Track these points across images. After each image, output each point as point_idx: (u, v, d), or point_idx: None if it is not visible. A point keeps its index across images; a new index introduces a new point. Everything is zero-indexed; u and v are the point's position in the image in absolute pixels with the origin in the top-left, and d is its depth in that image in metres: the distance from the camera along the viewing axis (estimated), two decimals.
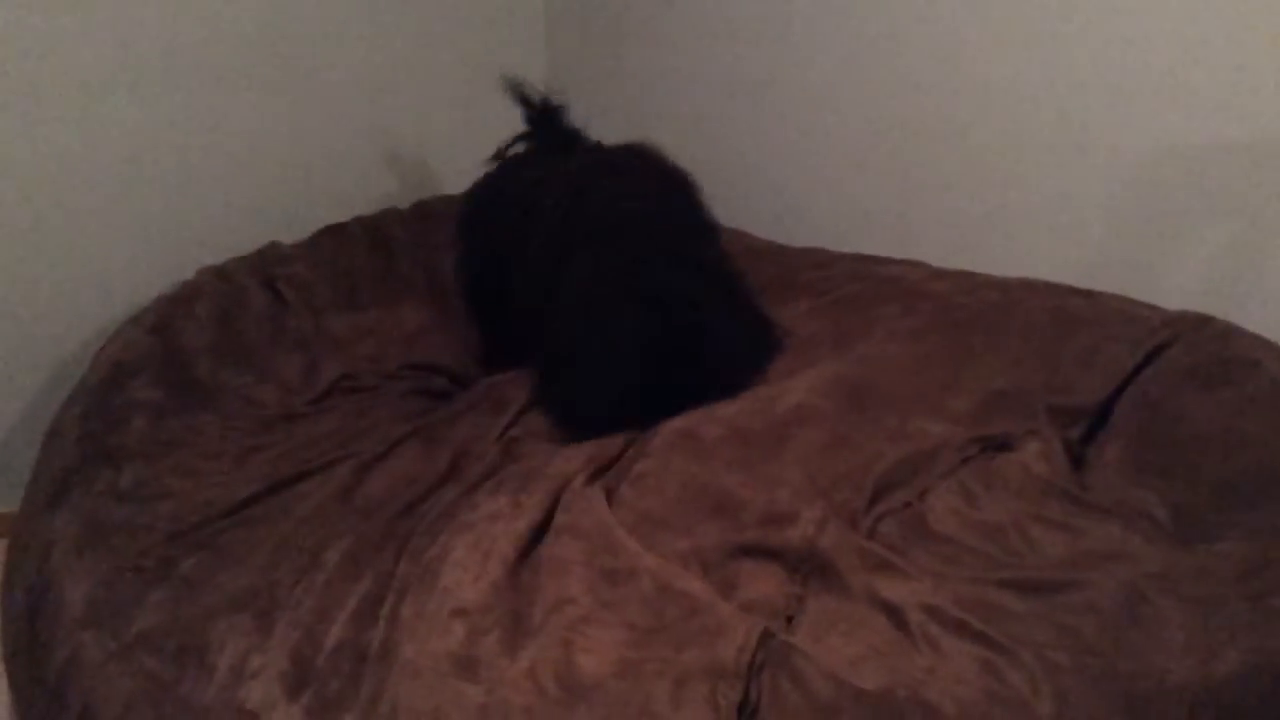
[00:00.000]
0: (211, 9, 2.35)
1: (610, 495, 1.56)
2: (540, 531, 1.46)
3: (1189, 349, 1.70)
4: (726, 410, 1.74)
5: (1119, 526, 1.47)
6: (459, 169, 2.82)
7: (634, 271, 1.82)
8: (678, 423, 1.71)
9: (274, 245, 2.37)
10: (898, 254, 2.25)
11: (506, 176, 2.16)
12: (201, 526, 1.51)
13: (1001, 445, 1.65)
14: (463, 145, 2.87)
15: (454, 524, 1.47)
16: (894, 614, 1.28)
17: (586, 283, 1.83)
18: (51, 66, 2.16)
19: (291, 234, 2.47)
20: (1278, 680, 1.16)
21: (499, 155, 2.22)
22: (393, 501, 1.58)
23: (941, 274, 2.11)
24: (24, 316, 2.26)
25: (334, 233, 2.49)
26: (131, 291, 2.33)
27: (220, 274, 2.20)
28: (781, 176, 2.52)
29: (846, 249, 2.33)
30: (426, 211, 2.64)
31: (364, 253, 2.45)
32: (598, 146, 2.20)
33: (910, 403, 1.78)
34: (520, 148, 2.22)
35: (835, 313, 2.07)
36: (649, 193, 1.98)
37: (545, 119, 2.20)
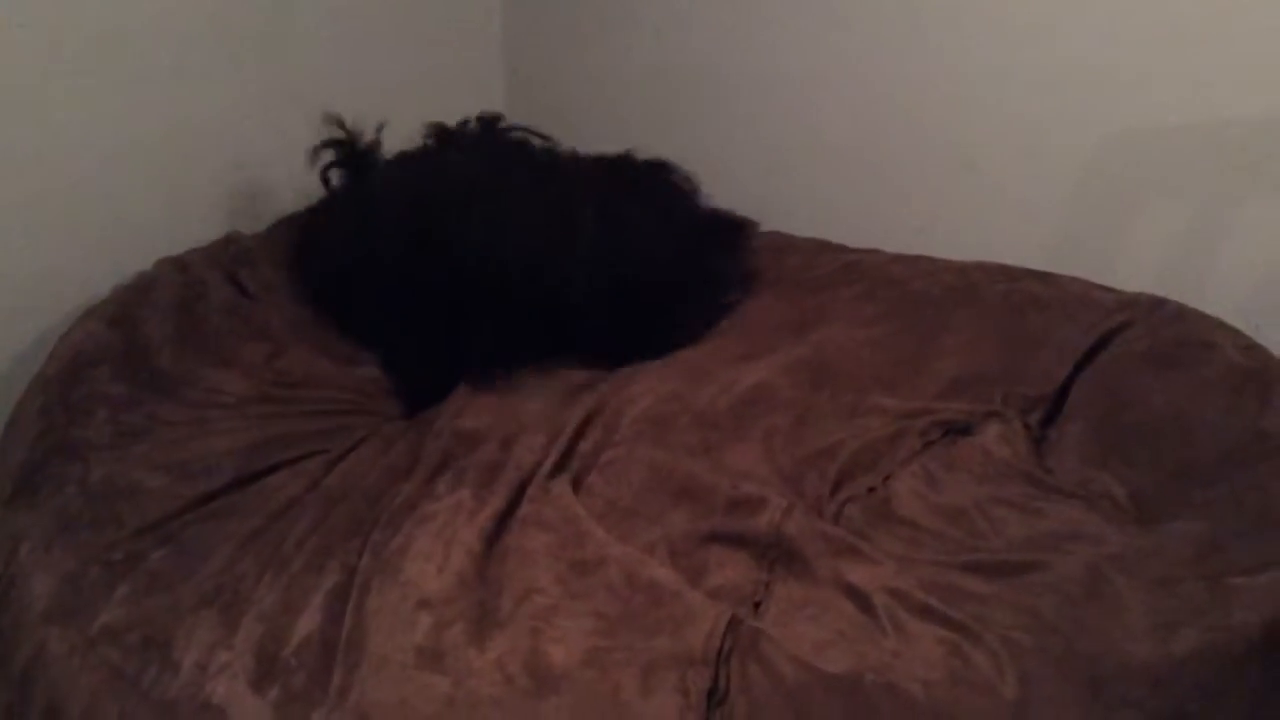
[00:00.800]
0: None
1: (577, 484, 1.57)
2: (504, 522, 1.46)
3: (1145, 331, 1.73)
4: (690, 394, 1.77)
5: (1080, 508, 1.49)
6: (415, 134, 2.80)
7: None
8: (642, 405, 1.72)
9: (233, 235, 2.35)
10: (857, 242, 2.26)
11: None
12: (169, 520, 1.50)
13: (963, 429, 1.67)
14: (419, 108, 2.84)
15: (415, 515, 1.47)
16: (860, 598, 1.29)
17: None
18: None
19: (250, 224, 2.45)
20: (1236, 658, 1.19)
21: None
22: (356, 494, 1.58)
23: (900, 258, 2.14)
24: None
25: (293, 222, 2.47)
26: (87, 283, 2.29)
27: (179, 265, 2.17)
28: (740, 167, 2.52)
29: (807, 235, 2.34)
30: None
31: None
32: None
33: (870, 386, 1.81)
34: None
35: (795, 297, 2.09)
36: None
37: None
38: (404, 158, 2.17)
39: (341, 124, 2.19)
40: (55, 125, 2.21)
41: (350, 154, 2.19)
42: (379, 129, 2.25)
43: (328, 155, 2.19)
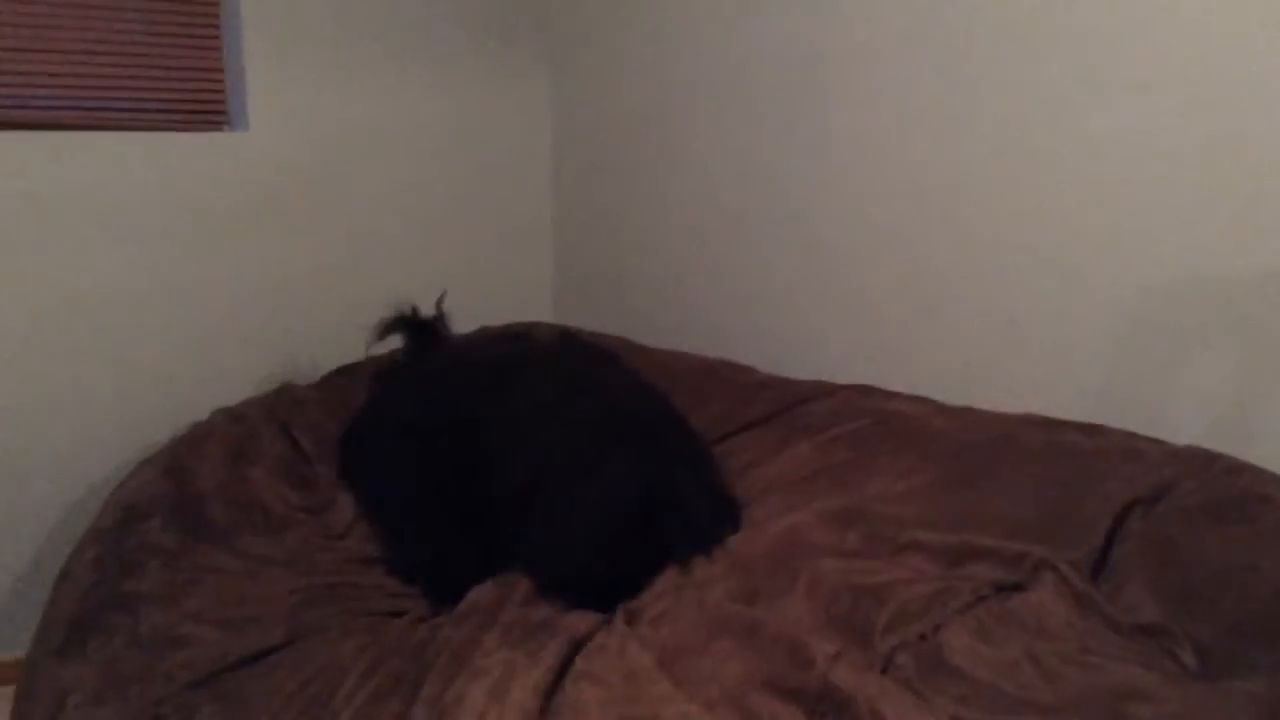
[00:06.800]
0: (233, 165, 2.44)
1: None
2: (559, 677, 1.45)
3: (1199, 485, 1.71)
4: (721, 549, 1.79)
5: (1138, 665, 1.46)
6: (468, 310, 2.89)
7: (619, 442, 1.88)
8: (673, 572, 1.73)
9: (287, 386, 2.40)
10: (902, 389, 2.27)
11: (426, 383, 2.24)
12: (221, 675, 1.50)
13: (1015, 586, 1.65)
14: (472, 287, 2.94)
15: (467, 671, 1.46)
16: None
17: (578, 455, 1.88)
18: (79, 209, 2.23)
19: (306, 374, 2.51)
20: None
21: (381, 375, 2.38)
22: (404, 648, 1.57)
23: (943, 410, 2.14)
24: (32, 458, 2.27)
25: (346, 373, 2.52)
26: (143, 433, 2.34)
27: (233, 416, 2.22)
28: (788, 313, 2.57)
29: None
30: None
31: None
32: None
33: (906, 526, 1.80)
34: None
35: (835, 451, 2.09)
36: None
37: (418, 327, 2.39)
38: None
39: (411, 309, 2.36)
40: (120, 277, 2.30)
41: (416, 329, 2.34)
42: (440, 302, 2.38)
43: (392, 330, 2.36)
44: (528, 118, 3.03)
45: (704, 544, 1.81)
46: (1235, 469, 1.73)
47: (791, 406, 2.29)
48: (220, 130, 2.46)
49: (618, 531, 1.78)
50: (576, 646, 1.51)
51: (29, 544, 2.32)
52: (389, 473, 2.03)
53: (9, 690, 1.77)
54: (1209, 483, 1.71)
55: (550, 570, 1.75)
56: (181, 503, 1.95)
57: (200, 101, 2.44)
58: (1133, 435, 1.89)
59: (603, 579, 1.71)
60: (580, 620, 1.58)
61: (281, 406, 2.29)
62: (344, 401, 2.38)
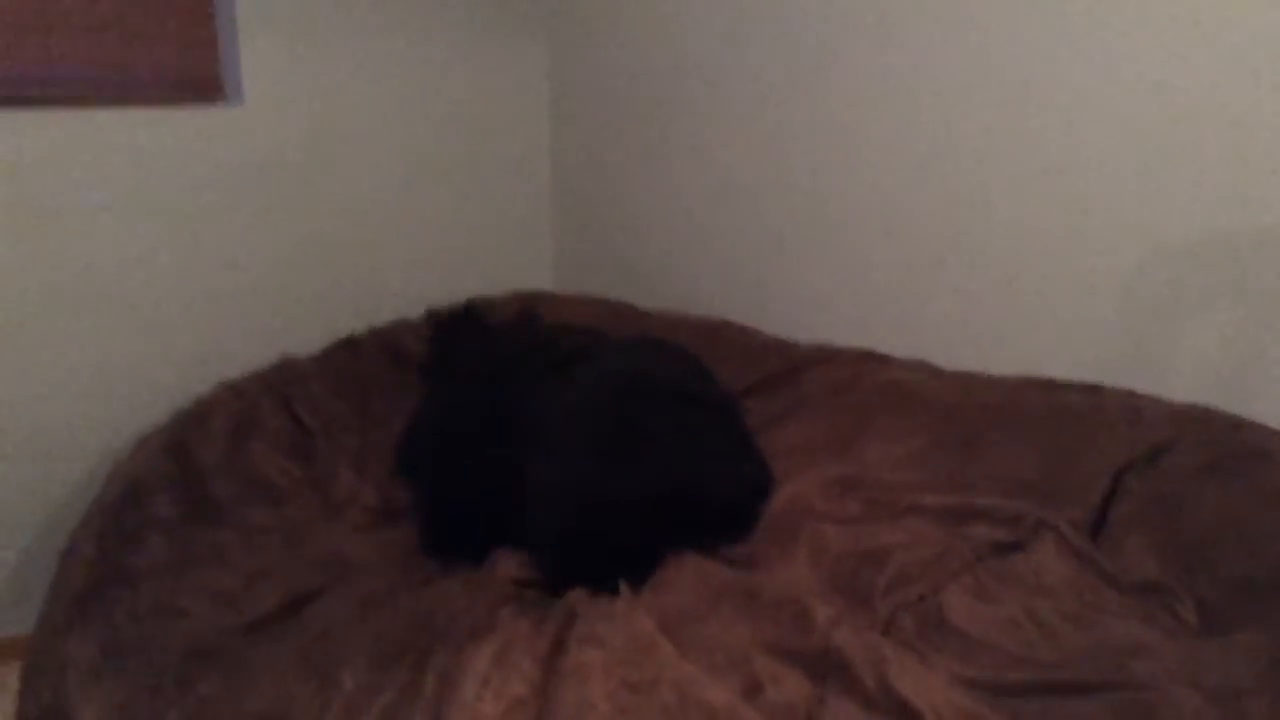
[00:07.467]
0: (229, 139, 2.43)
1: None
2: (561, 641, 1.45)
3: (1200, 443, 1.71)
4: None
5: (1138, 621, 1.46)
6: (469, 279, 2.89)
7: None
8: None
9: (288, 359, 2.40)
10: (905, 354, 2.27)
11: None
12: (219, 645, 1.50)
13: (1014, 545, 1.65)
14: (473, 255, 2.94)
15: (475, 638, 1.46)
16: (912, 716, 1.27)
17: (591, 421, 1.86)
18: (73, 186, 2.22)
19: (306, 346, 2.51)
20: None
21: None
22: (407, 616, 1.58)
23: (942, 374, 2.14)
24: (38, 434, 2.28)
25: (347, 345, 2.52)
26: (146, 407, 2.35)
27: (235, 391, 2.22)
28: (790, 276, 2.56)
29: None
30: (437, 320, 2.68)
31: (376, 364, 2.49)
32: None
33: (907, 490, 1.81)
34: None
35: (834, 417, 2.09)
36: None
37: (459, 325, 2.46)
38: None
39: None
40: (120, 253, 2.29)
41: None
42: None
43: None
44: (527, 84, 3.01)
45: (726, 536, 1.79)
46: (1234, 426, 1.72)
47: (794, 372, 2.29)
48: (216, 105, 2.45)
49: (579, 517, 1.76)
50: (576, 613, 1.51)
51: (34, 522, 2.32)
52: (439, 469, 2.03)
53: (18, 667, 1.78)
54: (1208, 440, 1.70)
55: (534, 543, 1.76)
56: (183, 477, 1.95)
57: (195, 77, 2.43)
58: (1132, 395, 1.88)
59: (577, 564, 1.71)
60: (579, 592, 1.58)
61: (282, 380, 2.29)
62: (345, 374, 2.38)
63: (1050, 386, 1.97)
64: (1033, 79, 2.02)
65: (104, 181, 2.26)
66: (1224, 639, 1.40)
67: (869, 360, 2.27)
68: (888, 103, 2.28)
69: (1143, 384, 1.91)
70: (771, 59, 2.48)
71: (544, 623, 1.49)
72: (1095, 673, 1.34)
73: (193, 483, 1.94)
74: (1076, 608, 1.50)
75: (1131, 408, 1.83)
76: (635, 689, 1.33)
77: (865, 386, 2.16)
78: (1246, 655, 1.34)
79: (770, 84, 2.49)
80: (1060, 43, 1.98)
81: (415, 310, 2.76)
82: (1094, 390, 1.92)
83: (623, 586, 1.59)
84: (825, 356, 2.33)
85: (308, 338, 2.55)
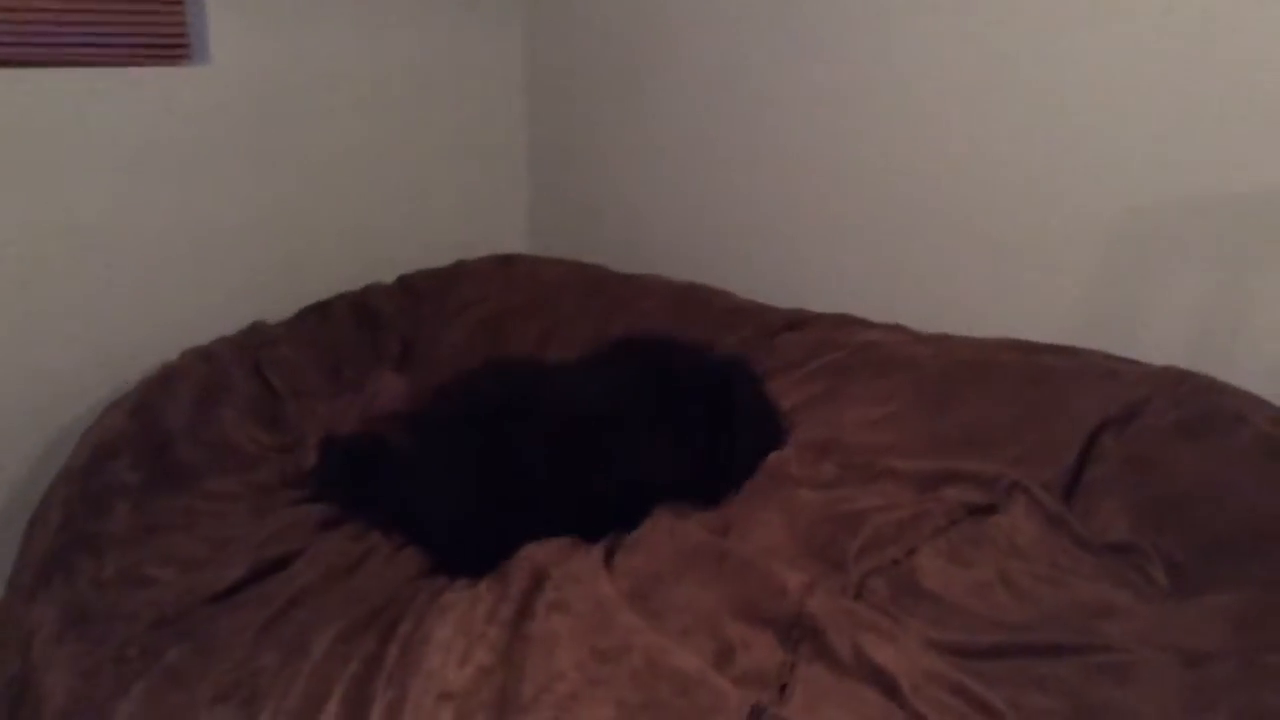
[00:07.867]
0: (196, 98, 2.38)
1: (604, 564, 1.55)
2: (527, 608, 1.44)
3: (1173, 404, 1.71)
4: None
5: (1109, 583, 1.46)
6: (445, 241, 2.85)
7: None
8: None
9: (258, 325, 2.37)
10: (882, 318, 2.26)
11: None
12: (185, 614, 1.49)
13: (988, 507, 1.64)
14: (447, 217, 2.91)
15: (436, 605, 1.45)
16: (885, 681, 1.26)
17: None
18: (40, 146, 2.18)
19: (276, 311, 2.48)
20: None
21: None
22: (375, 584, 1.56)
23: (919, 337, 2.13)
24: (7, 400, 2.24)
25: (318, 310, 2.49)
26: (116, 374, 2.32)
27: (204, 355, 2.19)
28: (767, 239, 2.55)
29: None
30: (410, 286, 2.65)
31: (348, 329, 2.46)
32: None
33: (881, 453, 1.80)
34: None
35: (812, 382, 2.08)
36: None
37: None
38: None
39: None
40: (86, 217, 2.25)
41: None
42: None
43: None
44: (501, 42, 2.97)
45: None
46: (1208, 387, 1.72)
47: (769, 335, 2.27)
48: (181, 64, 2.40)
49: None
50: (544, 576, 1.50)
51: (4, 487, 2.30)
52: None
53: None
54: (1182, 401, 1.70)
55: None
56: (150, 443, 1.93)
57: (161, 35, 2.38)
58: (1109, 356, 1.88)
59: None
60: (546, 550, 1.56)
61: (252, 345, 2.26)
62: (316, 338, 2.35)
63: (1028, 348, 1.96)
64: (1018, 40, 2.01)
65: (70, 142, 2.21)
66: (1194, 600, 1.40)
67: (846, 324, 2.26)
68: (863, 67, 2.26)
69: (1122, 347, 1.91)
70: (750, 15, 2.44)
71: (510, 586, 1.48)
72: (1066, 635, 1.34)
73: (160, 449, 1.92)
74: (1048, 570, 1.50)
75: (1108, 369, 1.83)
76: (604, 657, 1.32)
77: (842, 349, 2.14)
78: (1216, 617, 1.34)
79: (748, 41, 2.46)
80: (1034, 3, 1.96)
81: (390, 275, 2.73)
82: (1071, 352, 1.92)
83: (592, 548, 1.57)
84: (802, 320, 2.31)
85: (280, 304, 2.52)
